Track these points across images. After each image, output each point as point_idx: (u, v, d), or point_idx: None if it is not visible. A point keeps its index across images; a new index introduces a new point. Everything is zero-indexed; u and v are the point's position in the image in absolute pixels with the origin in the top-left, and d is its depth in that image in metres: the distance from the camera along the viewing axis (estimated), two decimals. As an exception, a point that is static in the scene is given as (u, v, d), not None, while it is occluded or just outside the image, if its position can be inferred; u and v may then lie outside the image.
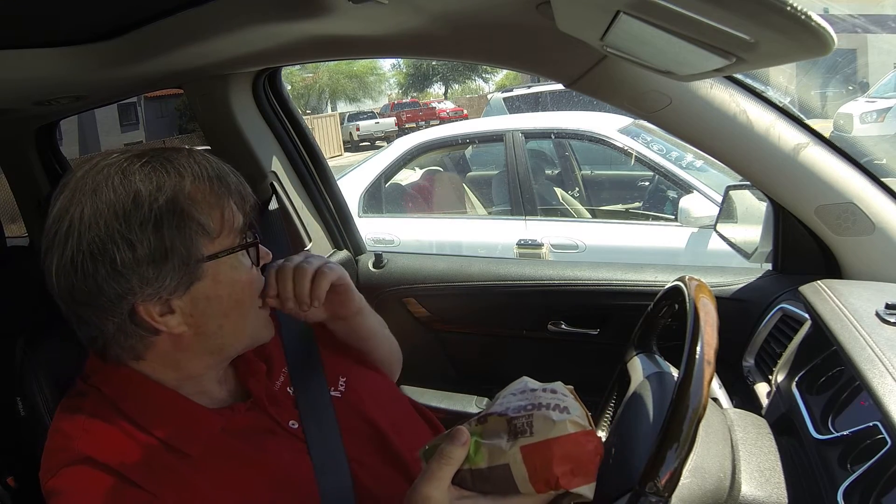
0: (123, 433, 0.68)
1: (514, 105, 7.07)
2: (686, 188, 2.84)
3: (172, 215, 0.66)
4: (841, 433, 0.71)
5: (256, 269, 0.75)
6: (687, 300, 0.71)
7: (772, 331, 1.08)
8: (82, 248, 0.64)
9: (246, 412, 0.75)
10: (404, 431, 0.84)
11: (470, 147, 3.94)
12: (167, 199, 0.66)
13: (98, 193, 0.65)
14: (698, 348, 0.62)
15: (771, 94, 1.02)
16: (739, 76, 0.99)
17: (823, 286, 0.94)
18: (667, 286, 0.84)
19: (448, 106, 21.02)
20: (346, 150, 18.80)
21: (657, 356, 0.91)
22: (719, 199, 1.66)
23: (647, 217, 3.14)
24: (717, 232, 1.41)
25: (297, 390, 0.80)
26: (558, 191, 3.49)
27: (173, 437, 0.68)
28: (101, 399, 0.70)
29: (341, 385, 0.85)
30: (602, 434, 0.92)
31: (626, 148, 3.05)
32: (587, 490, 0.59)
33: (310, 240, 1.48)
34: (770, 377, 1.02)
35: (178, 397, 0.72)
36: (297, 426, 0.77)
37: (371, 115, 20.36)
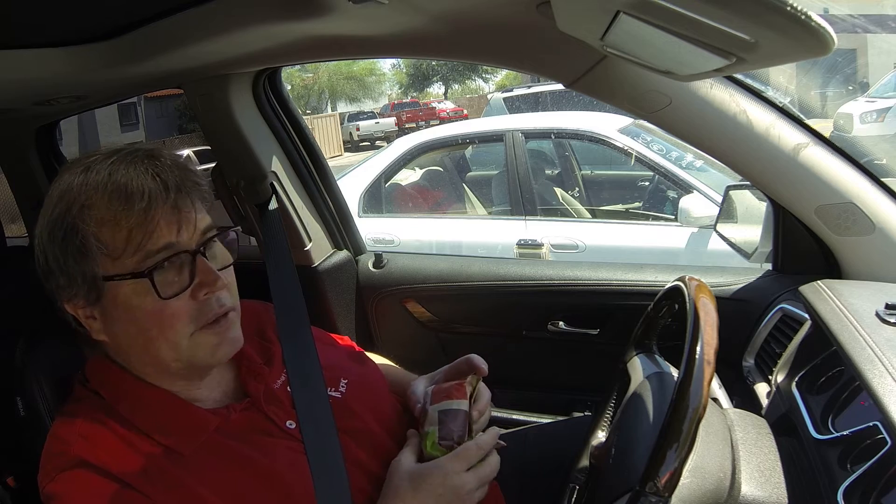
0: (119, 437, 0.68)
1: (514, 105, 7.07)
2: (686, 188, 2.84)
3: (61, 228, 0.66)
4: (841, 433, 0.71)
5: (176, 299, 0.67)
6: (687, 300, 0.71)
7: (772, 331, 1.08)
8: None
9: (241, 412, 0.75)
10: (402, 435, 0.84)
11: (470, 147, 3.93)
12: (62, 212, 0.66)
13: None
14: (698, 348, 0.63)
15: (771, 94, 1.02)
16: (739, 76, 0.99)
17: (823, 286, 0.94)
18: (667, 286, 0.84)
19: (448, 106, 21.04)
20: (346, 150, 18.81)
21: (657, 356, 0.91)
22: (719, 199, 1.66)
23: (647, 217, 3.14)
24: (717, 232, 1.41)
25: (295, 391, 0.80)
26: (558, 191, 3.49)
27: (167, 437, 0.69)
28: (99, 403, 0.71)
29: (342, 386, 0.85)
30: (602, 434, 0.92)
31: (626, 148, 3.04)
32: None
33: (310, 240, 1.48)
34: (770, 377, 1.02)
35: (172, 398, 0.72)
36: (294, 426, 0.77)
37: (371, 115, 20.38)
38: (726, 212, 1.38)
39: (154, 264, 0.66)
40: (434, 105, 21.47)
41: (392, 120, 19.50)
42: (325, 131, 18.27)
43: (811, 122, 1.02)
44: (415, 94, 28.52)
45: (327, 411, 0.79)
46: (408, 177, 3.71)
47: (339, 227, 1.57)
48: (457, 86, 29.46)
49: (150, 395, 0.72)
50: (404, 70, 28.79)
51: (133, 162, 0.68)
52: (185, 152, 14.03)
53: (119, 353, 0.73)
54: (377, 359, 1.09)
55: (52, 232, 0.66)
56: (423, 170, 3.72)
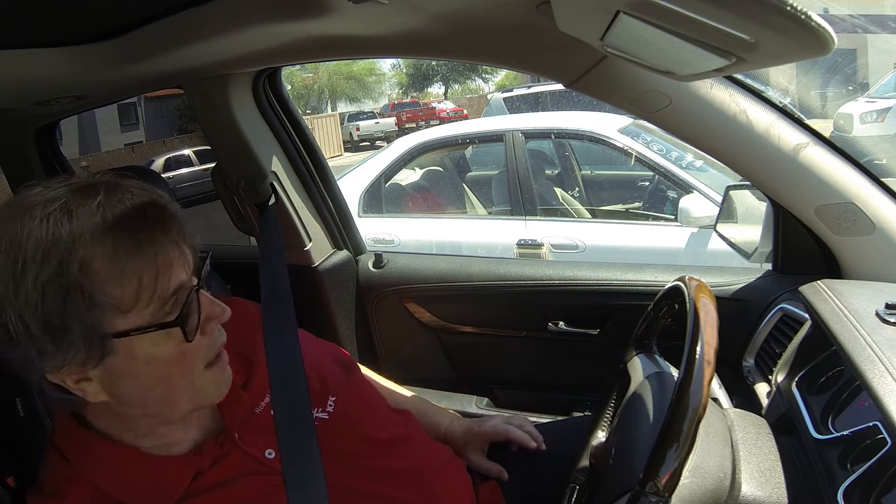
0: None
1: (514, 105, 7.07)
2: (686, 188, 2.84)
3: (59, 290, 0.56)
4: (841, 433, 0.71)
5: (194, 339, 0.63)
6: (687, 300, 0.71)
7: (772, 331, 1.08)
8: None
9: (218, 449, 0.70)
10: (394, 446, 0.83)
11: (470, 147, 3.93)
12: (54, 273, 0.56)
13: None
14: (698, 348, 0.63)
15: (771, 94, 1.02)
16: (739, 76, 0.99)
17: (823, 286, 0.94)
18: (667, 286, 0.84)
19: (448, 106, 21.07)
20: (346, 150, 18.83)
21: (657, 356, 0.91)
22: (719, 199, 1.66)
23: (647, 217, 3.14)
24: (717, 232, 1.41)
25: (278, 416, 0.75)
26: (558, 191, 3.49)
27: (138, 501, 0.65)
28: (68, 468, 0.66)
29: (329, 405, 0.81)
30: (602, 434, 0.92)
31: (626, 148, 3.04)
32: None
33: (310, 240, 1.48)
34: (770, 377, 1.02)
35: (140, 456, 0.67)
36: (273, 455, 0.72)
37: (371, 115, 20.41)
38: (726, 212, 1.38)
39: (180, 311, 0.62)
40: (434, 105, 21.50)
41: (392, 120, 19.52)
42: (325, 131, 18.29)
43: (811, 122, 1.02)
44: (415, 94, 28.55)
45: (311, 436, 0.75)
46: (408, 177, 3.71)
47: (339, 227, 1.57)
48: (457, 86, 29.49)
49: (115, 456, 0.66)
50: (404, 70, 28.82)
51: (115, 194, 0.60)
52: (186, 152, 14.06)
53: (119, 409, 0.65)
54: (383, 381, 1.10)
55: (43, 296, 0.56)
56: (423, 170, 3.72)
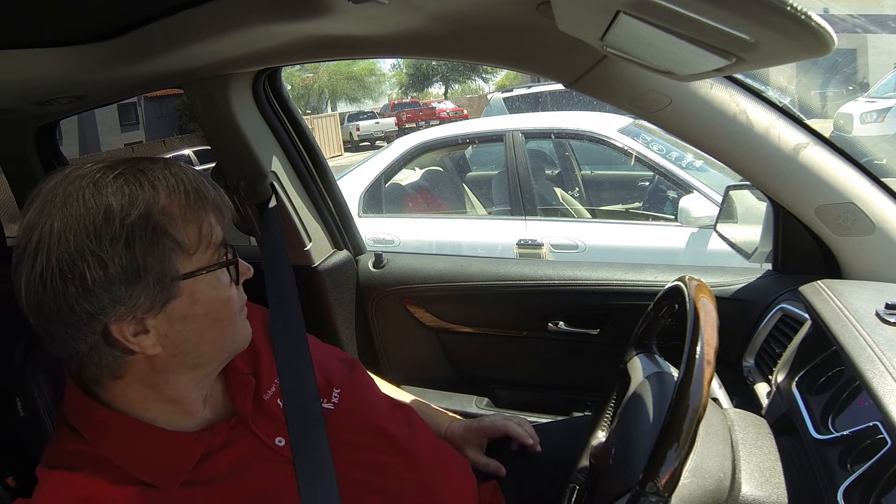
0: (103, 479, 0.65)
1: (514, 105, 7.08)
2: (686, 188, 2.84)
3: (145, 231, 0.63)
4: (841, 433, 0.71)
5: (236, 286, 0.72)
6: (687, 300, 0.72)
7: (772, 331, 1.08)
8: (52, 264, 0.61)
9: (228, 432, 0.72)
10: (398, 442, 0.83)
11: (470, 147, 3.93)
12: (140, 215, 0.63)
13: (68, 206, 0.62)
14: (698, 348, 0.63)
15: (771, 94, 1.02)
16: (739, 76, 0.99)
17: (823, 286, 0.94)
18: (667, 286, 0.84)
19: (448, 106, 21.09)
20: (346, 150, 18.85)
21: (657, 356, 0.91)
22: (719, 199, 1.66)
23: (647, 217, 3.14)
24: (717, 232, 1.41)
25: (288, 404, 0.77)
26: (558, 191, 3.49)
27: (149, 475, 0.66)
28: (81, 443, 0.67)
29: (335, 397, 0.83)
30: (602, 434, 0.92)
31: (626, 148, 3.05)
32: None
33: (310, 240, 1.48)
34: (770, 377, 1.02)
35: (154, 431, 0.69)
36: (283, 443, 0.74)
37: (371, 115, 20.43)
38: (726, 212, 1.38)
39: (233, 254, 0.71)
40: (434, 105, 21.51)
41: (392, 120, 19.53)
42: (325, 131, 18.30)
43: (811, 122, 1.02)
44: (415, 94, 28.57)
45: (320, 426, 0.76)
46: (408, 177, 3.71)
47: (339, 227, 1.57)
48: (457, 86, 29.51)
49: (135, 432, 0.68)
50: (404, 70, 28.84)
51: (172, 163, 0.70)
52: (186, 152, 14.07)
53: (164, 365, 0.68)
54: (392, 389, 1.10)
55: (130, 238, 0.62)
56: (423, 170, 3.72)
